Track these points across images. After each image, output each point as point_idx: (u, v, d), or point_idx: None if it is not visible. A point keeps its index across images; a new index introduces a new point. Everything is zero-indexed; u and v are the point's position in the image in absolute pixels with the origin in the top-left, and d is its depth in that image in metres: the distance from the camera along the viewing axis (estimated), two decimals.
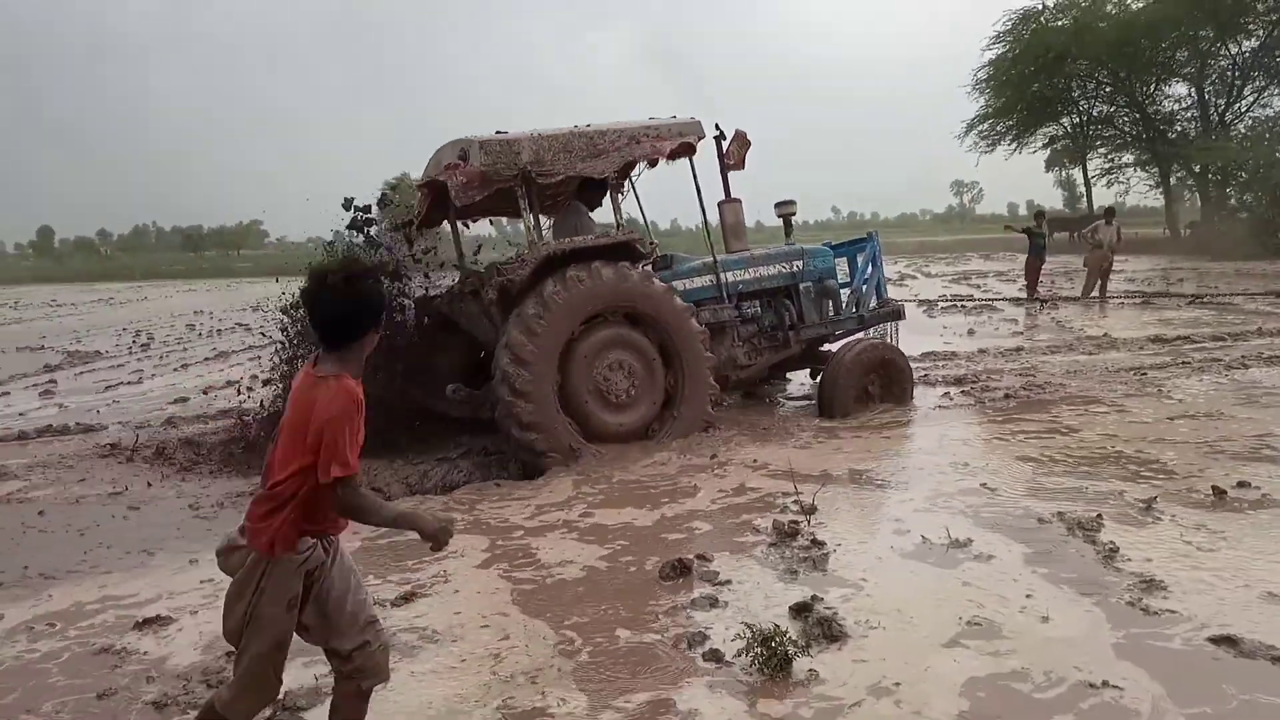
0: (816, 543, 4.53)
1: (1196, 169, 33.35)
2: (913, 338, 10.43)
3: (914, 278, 25.71)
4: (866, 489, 5.63)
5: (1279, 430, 6.42)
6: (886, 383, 7.82)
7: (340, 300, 2.47)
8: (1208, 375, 8.61)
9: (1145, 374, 8.76)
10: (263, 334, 9.29)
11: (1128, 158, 37.89)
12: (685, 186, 7.47)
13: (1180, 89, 35.30)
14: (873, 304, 8.64)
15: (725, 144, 7.71)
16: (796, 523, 4.82)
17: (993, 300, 17.30)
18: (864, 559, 4.37)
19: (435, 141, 7.14)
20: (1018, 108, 36.15)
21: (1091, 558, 4.20)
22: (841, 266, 8.75)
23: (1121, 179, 38.29)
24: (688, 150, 7.20)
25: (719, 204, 7.84)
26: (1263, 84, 32.86)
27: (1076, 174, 43.32)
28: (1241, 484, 5.15)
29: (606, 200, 7.31)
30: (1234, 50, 32.70)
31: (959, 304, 16.74)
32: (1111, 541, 4.33)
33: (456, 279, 7.37)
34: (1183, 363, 9.30)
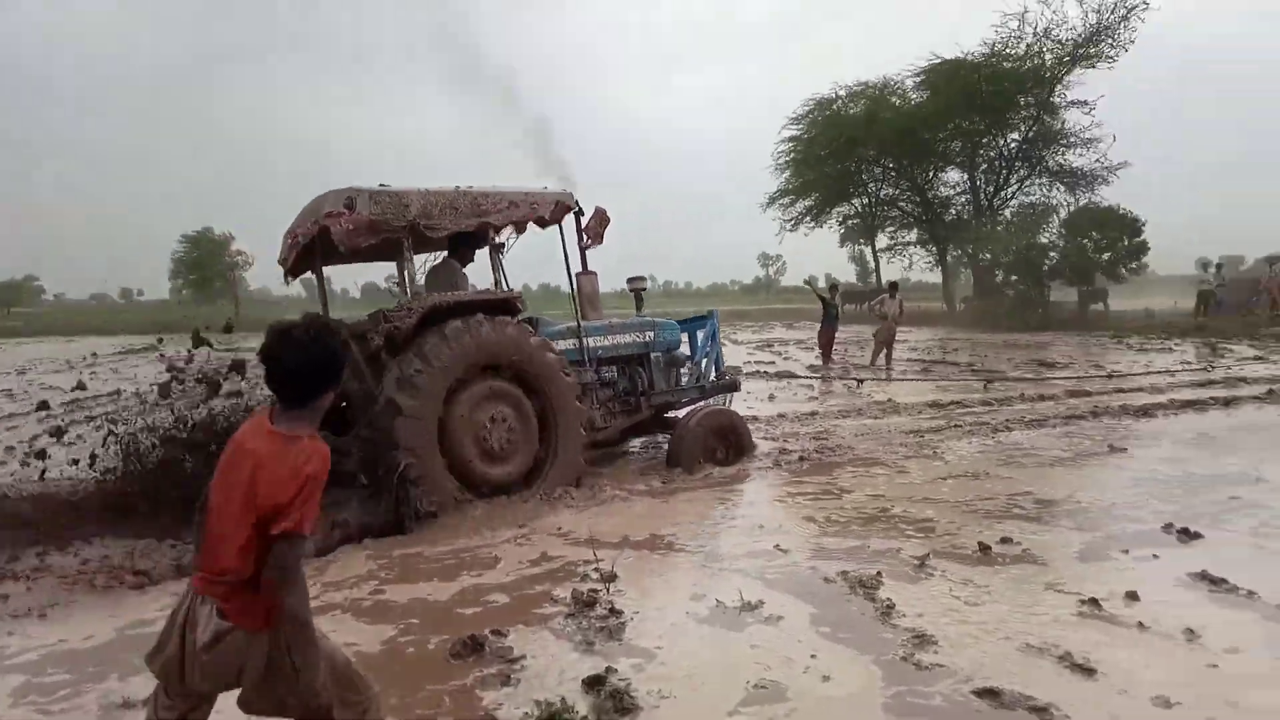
0: (614, 611, 4.49)
1: (970, 249, 36.82)
2: None
3: (723, 345, 26.62)
4: (666, 553, 5.67)
5: (1034, 489, 7.03)
6: (729, 446, 8.35)
7: (306, 356, 2.41)
8: (975, 438, 9.37)
9: (923, 436, 9.42)
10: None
11: (911, 236, 41.42)
12: (546, 250, 7.87)
13: (955, 175, 39.09)
14: (713, 376, 9.30)
15: (585, 219, 8.07)
16: (596, 591, 4.78)
17: (809, 369, 18.19)
18: (659, 626, 4.37)
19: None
20: (815, 187, 38.84)
21: (871, 615, 4.40)
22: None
23: (905, 256, 41.75)
24: (561, 216, 7.68)
25: (577, 275, 8.15)
26: (1025, 174, 36.92)
27: (867, 250, 46.82)
28: (1004, 540, 5.58)
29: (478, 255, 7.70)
30: (1000, 142, 36.62)
31: (761, 370, 17.50)
32: (889, 599, 4.55)
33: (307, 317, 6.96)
34: (955, 425, 10.08)
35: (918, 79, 36.10)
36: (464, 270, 7.66)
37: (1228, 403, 11.30)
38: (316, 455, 2.39)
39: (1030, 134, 35.20)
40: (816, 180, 38.43)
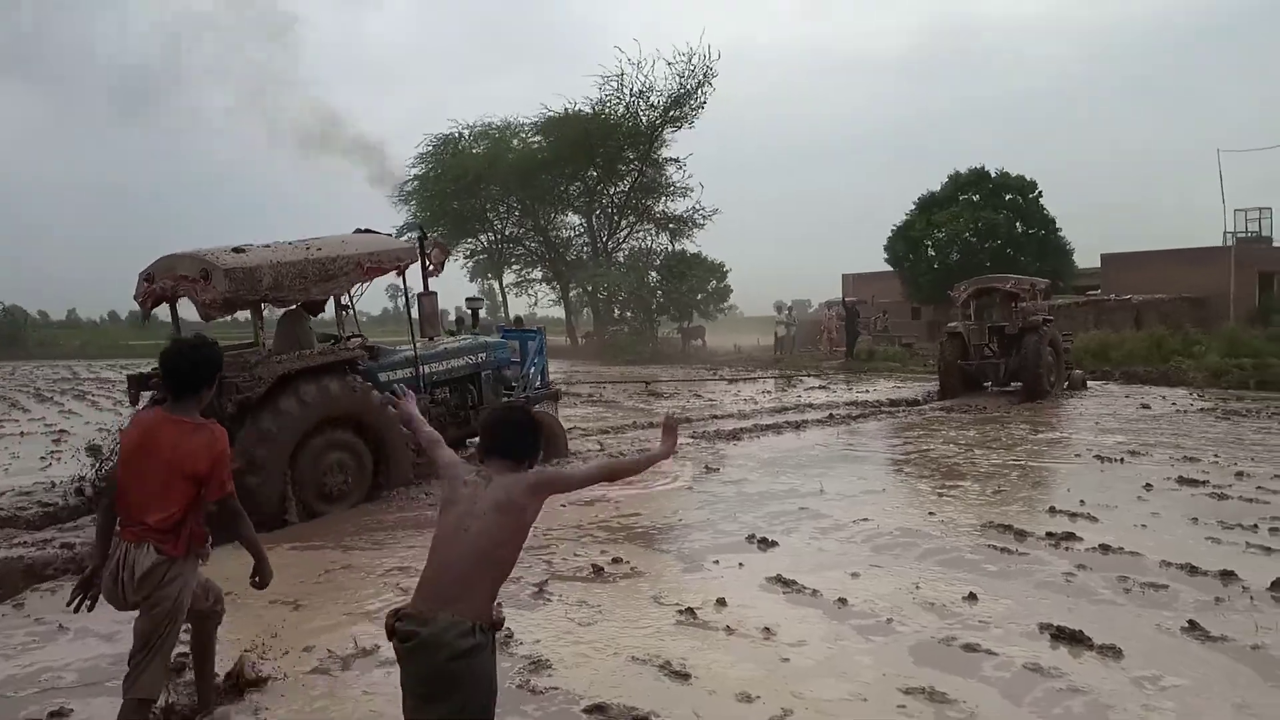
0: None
1: (589, 287, 39.12)
2: None
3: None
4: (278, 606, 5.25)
5: (643, 511, 7.58)
6: (548, 442, 8.86)
7: (197, 358, 3.34)
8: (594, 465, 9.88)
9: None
10: None
11: (536, 273, 43.10)
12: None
13: (575, 219, 41.35)
14: (537, 385, 10.61)
15: (429, 249, 9.10)
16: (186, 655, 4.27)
17: None
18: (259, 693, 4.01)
19: None
20: (440, 222, 38.87)
21: None
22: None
23: (531, 291, 43.32)
24: (409, 265, 8.67)
25: (419, 295, 9.13)
26: (634, 219, 40.08)
27: (496, 285, 47.73)
28: (615, 560, 5.93)
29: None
30: (612, 190, 39.44)
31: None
32: (508, 629, 4.61)
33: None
34: (574, 454, 10.56)
35: (534, 125, 37.79)
36: (312, 319, 8.33)
37: (798, 426, 13.09)
38: (221, 435, 3.31)
39: (636, 184, 38.43)
40: (441, 214, 38.53)
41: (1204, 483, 8.32)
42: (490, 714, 2.61)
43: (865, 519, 7.12)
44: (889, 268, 38.33)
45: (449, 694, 2.50)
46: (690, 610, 4.87)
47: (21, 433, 14.40)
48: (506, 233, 42.08)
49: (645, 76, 35.90)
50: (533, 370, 10.54)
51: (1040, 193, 35.26)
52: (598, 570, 5.70)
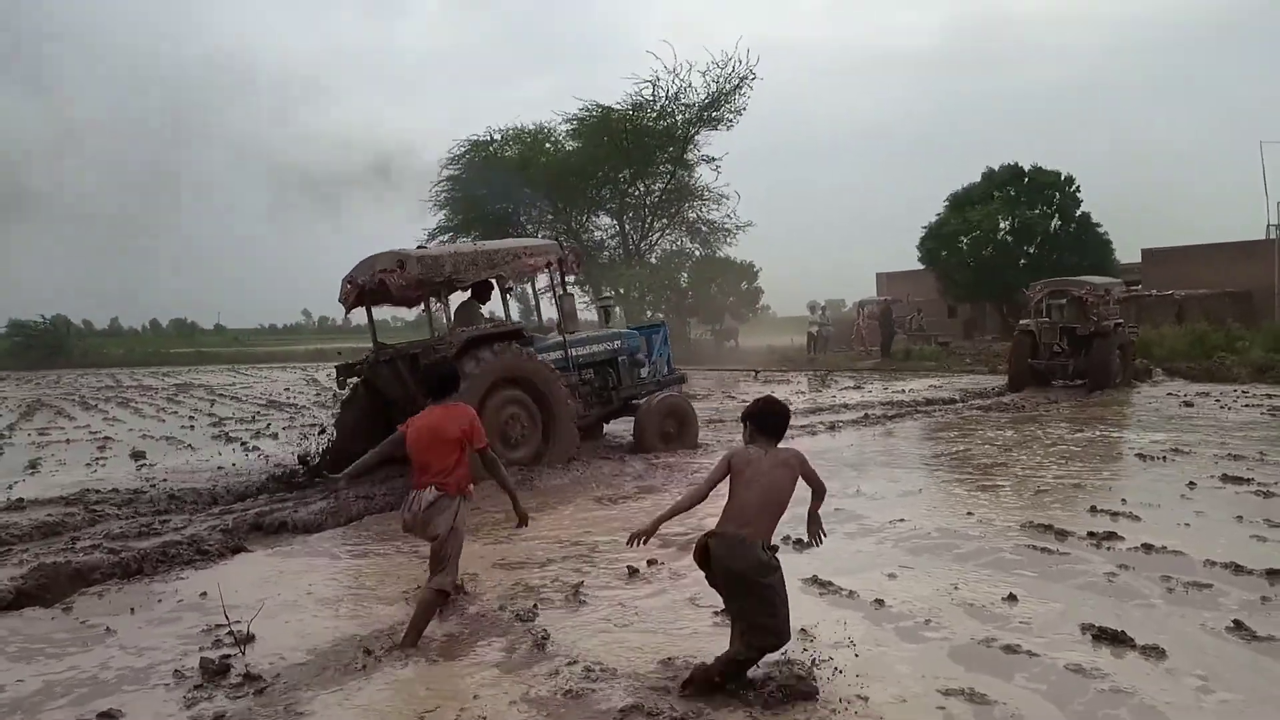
0: (250, 678, 4.13)
1: (621, 289, 39.14)
2: None
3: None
4: (309, 608, 5.33)
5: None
6: (680, 424, 10.92)
7: (447, 372, 4.92)
8: (633, 461, 9.91)
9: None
10: None
11: (569, 276, 43.20)
12: None
13: (606, 220, 41.39)
14: (665, 372, 11.89)
15: (566, 254, 10.54)
16: (229, 657, 4.36)
17: None
18: (308, 691, 4.08)
19: None
20: (474, 226, 39.11)
21: (530, 646, 4.46)
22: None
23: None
24: (556, 262, 10.30)
25: (559, 297, 10.70)
26: (665, 223, 40.06)
27: (529, 289, 48.01)
28: (652, 562, 5.93)
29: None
30: (644, 192, 39.45)
31: None
32: (544, 629, 4.65)
33: (371, 351, 9.88)
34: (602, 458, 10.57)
35: (570, 126, 37.87)
36: (481, 306, 10.13)
37: (832, 427, 13.02)
38: (469, 410, 4.80)
39: (669, 186, 38.38)
40: (476, 219, 38.74)
41: (1249, 480, 8.15)
42: (780, 607, 3.77)
43: (902, 519, 7.07)
44: (922, 266, 37.97)
45: (752, 589, 3.74)
46: (724, 612, 4.87)
47: (67, 440, 14.75)
48: (540, 236, 42.27)
49: (681, 80, 35.80)
50: (659, 358, 11.97)
51: (1078, 188, 34.73)
52: (634, 572, 5.72)
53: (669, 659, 4.26)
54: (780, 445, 3.99)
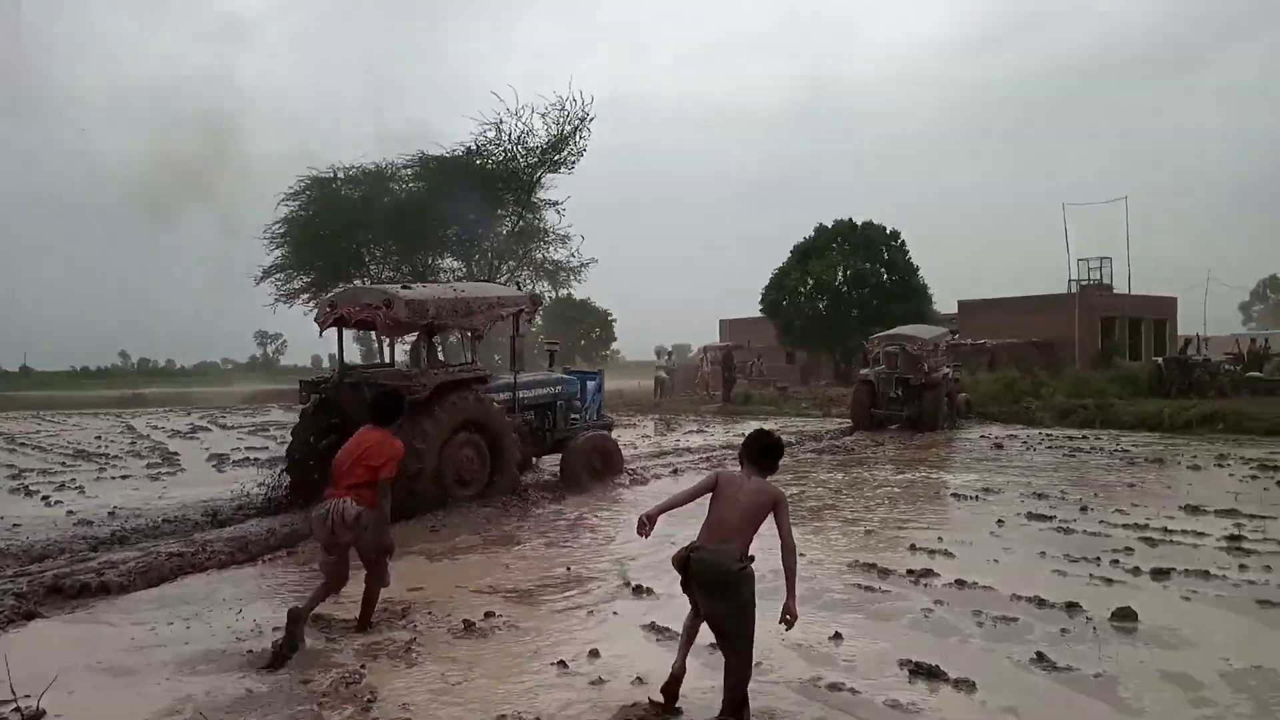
0: None
1: (469, 334, 38.57)
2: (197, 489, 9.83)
3: (208, 430, 24.36)
4: (108, 680, 4.90)
5: (519, 565, 7.45)
6: (605, 460, 11.86)
7: (392, 401, 5.78)
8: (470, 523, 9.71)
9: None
10: None
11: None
12: None
13: (454, 263, 40.82)
14: (595, 417, 12.93)
15: (528, 305, 11.35)
16: None
17: None
18: None
19: None
20: (313, 264, 37.72)
21: (353, 711, 4.25)
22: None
23: (407, 338, 42.24)
24: (521, 311, 11.09)
25: (513, 341, 11.80)
26: (514, 265, 39.94)
27: (373, 331, 46.58)
28: (489, 614, 5.80)
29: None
30: (492, 235, 39.23)
31: (253, 458, 16.27)
32: (372, 690, 4.45)
33: (334, 373, 10.55)
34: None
35: (414, 169, 37.34)
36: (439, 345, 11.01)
37: (676, 470, 13.22)
38: (399, 445, 5.54)
39: (516, 229, 38.39)
40: (315, 257, 37.37)
41: (1051, 518, 8.84)
42: (751, 616, 4.08)
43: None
44: (764, 314, 39.44)
45: (731, 597, 4.04)
46: (562, 663, 4.82)
47: None
48: (384, 277, 41.20)
49: (524, 123, 36.04)
50: (592, 403, 12.86)
51: (903, 242, 37.14)
52: (469, 626, 5.57)
53: (501, 716, 4.16)
54: (766, 479, 4.28)
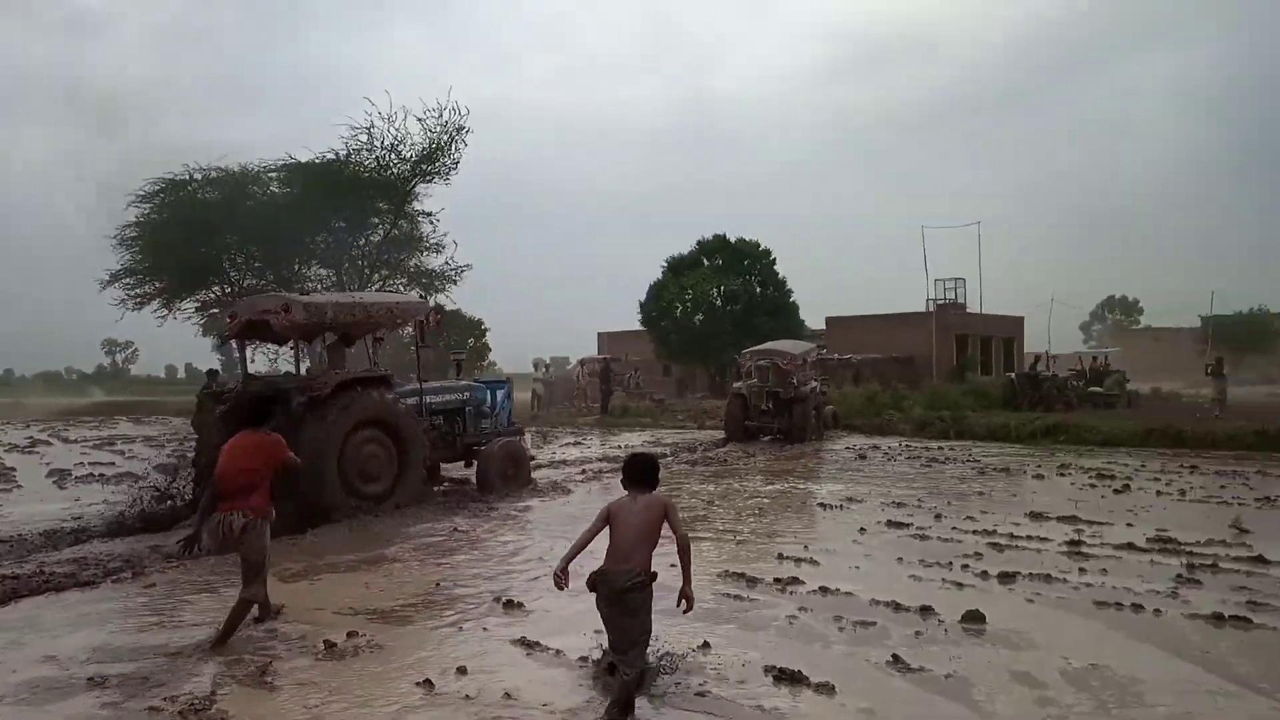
0: None
1: None
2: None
3: (49, 444, 22.68)
4: None
5: (383, 582, 7.25)
6: (516, 466, 12.30)
7: (260, 399, 6.11)
8: (342, 533, 9.39)
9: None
10: None
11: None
12: None
13: (323, 271, 39.42)
14: (505, 424, 13.24)
15: (430, 313, 12.04)
16: None
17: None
18: None
19: None
20: (166, 270, 35.74)
21: None
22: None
23: (269, 348, 40.25)
24: (422, 317, 11.52)
25: (416, 348, 12.00)
26: (386, 273, 38.94)
27: (234, 340, 44.47)
28: (351, 634, 5.61)
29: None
30: (363, 242, 38.14)
31: (98, 473, 15.23)
32: (224, 718, 4.23)
33: (240, 382, 10.83)
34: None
35: (279, 174, 35.95)
36: (347, 350, 11.29)
37: (554, 484, 13.13)
38: (276, 438, 5.72)
39: (388, 236, 37.50)
40: (168, 264, 35.38)
41: (909, 525, 9.25)
42: (649, 628, 4.50)
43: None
44: (642, 327, 39.82)
45: (629, 611, 4.37)
46: (428, 682, 4.71)
47: None
48: (245, 284, 39.40)
49: (397, 130, 35.25)
50: (501, 411, 13.23)
51: (775, 259, 38.26)
52: (330, 647, 5.37)
53: None
54: (653, 492, 4.67)
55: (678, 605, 4.53)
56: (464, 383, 12.96)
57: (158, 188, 35.47)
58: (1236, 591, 6.57)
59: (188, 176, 35.83)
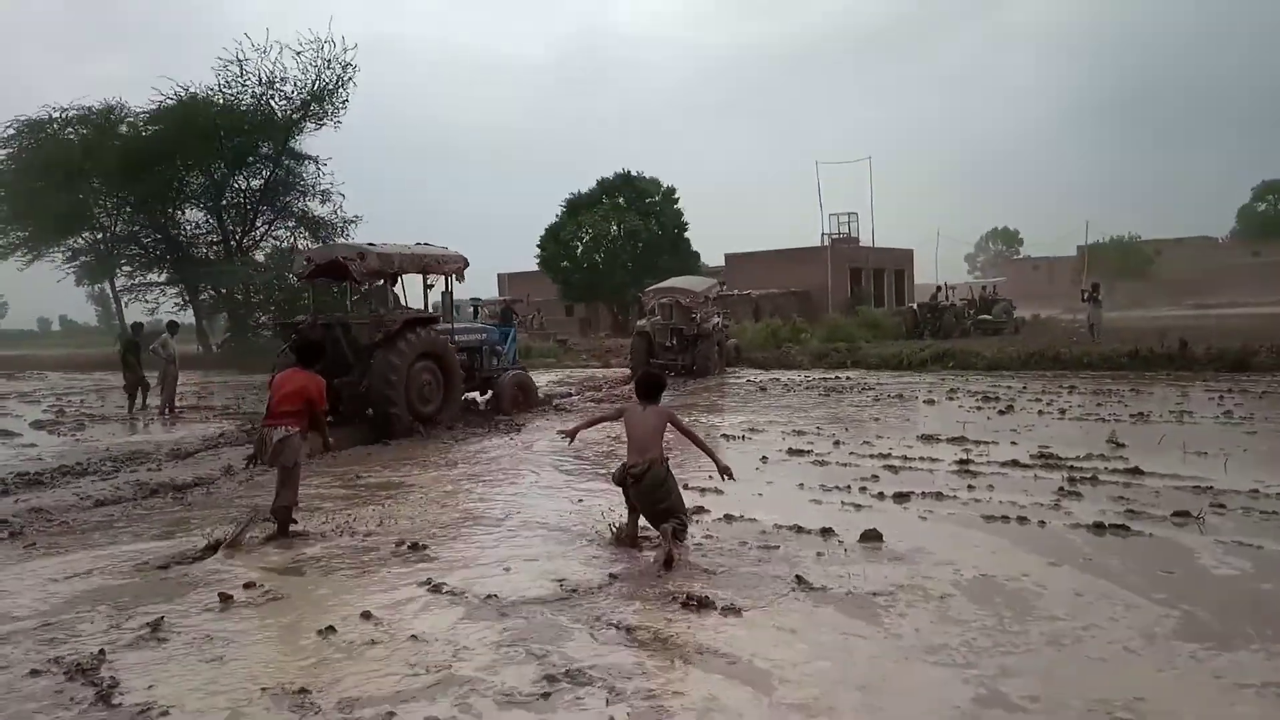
0: None
1: (224, 290, 35.62)
2: None
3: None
4: None
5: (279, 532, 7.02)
6: (525, 392, 14.79)
7: (311, 343, 7.59)
8: (236, 482, 9.04)
9: (171, 494, 8.72)
10: None
11: (154, 276, 38.18)
12: None
13: (200, 215, 37.44)
14: (511, 361, 15.63)
15: (462, 265, 13.70)
16: None
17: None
18: None
19: None
20: (30, 218, 33.39)
21: (90, 703, 3.84)
22: None
23: (149, 297, 38.26)
24: (457, 270, 13.71)
25: (444, 294, 13.99)
26: (271, 217, 37.27)
27: (108, 289, 42.00)
28: (250, 585, 5.42)
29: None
30: (243, 185, 36.32)
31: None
32: (113, 676, 4.04)
33: (310, 316, 13.06)
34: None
35: (146, 113, 33.76)
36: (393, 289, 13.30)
37: (451, 427, 12.94)
38: (321, 381, 6.91)
39: (271, 179, 35.80)
40: (31, 211, 33.02)
41: (809, 452, 9.49)
42: (676, 491, 6.07)
43: (518, 512, 7.22)
44: (541, 268, 39.36)
45: (653, 490, 5.87)
46: (331, 629, 4.60)
47: None
48: (116, 230, 37.14)
49: (273, 64, 33.41)
50: (509, 351, 15.62)
51: (678, 197, 38.20)
52: (227, 599, 5.18)
53: (264, 689, 3.91)
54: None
55: (723, 479, 6.04)
56: (481, 324, 15.76)
57: (14, 131, 32.93)
58: (1115, 502, 6.98)
59: (48, 116, 33.36)
